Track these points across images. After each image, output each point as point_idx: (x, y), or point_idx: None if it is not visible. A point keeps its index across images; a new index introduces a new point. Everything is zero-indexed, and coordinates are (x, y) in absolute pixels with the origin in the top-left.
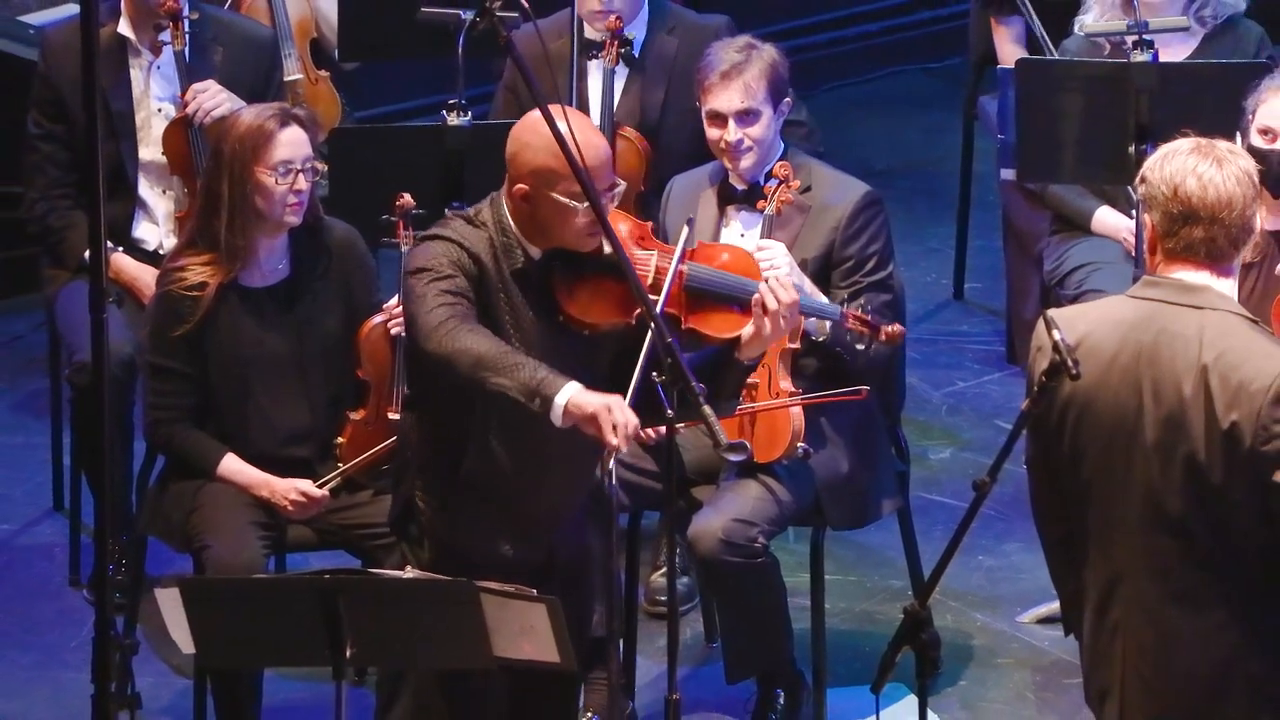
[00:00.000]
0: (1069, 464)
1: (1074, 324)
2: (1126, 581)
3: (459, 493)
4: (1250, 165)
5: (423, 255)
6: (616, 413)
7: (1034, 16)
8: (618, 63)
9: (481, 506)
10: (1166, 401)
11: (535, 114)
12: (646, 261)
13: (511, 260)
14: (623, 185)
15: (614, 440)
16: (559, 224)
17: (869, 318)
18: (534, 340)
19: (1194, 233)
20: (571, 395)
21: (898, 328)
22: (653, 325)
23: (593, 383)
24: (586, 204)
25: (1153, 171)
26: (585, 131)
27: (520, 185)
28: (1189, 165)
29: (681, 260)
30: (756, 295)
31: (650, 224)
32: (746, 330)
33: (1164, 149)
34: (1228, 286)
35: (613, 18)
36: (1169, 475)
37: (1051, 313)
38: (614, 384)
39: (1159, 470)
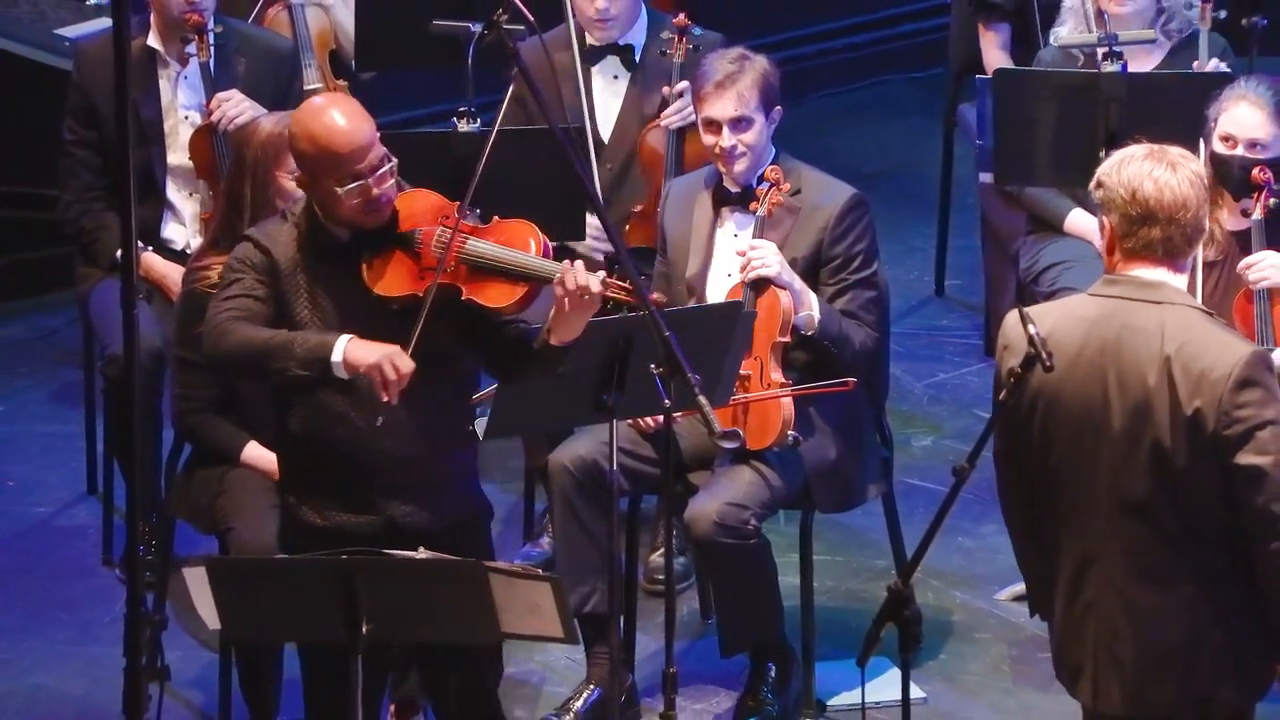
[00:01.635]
0: (1039, 453)
1: (1040, 321)
2: (1097, 563)
3: (299, 461)
4: (1200, 168)
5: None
6: (388, 369)
7: (1036, 13)
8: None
9: (321, 473)
10: (1132, 392)
11: (305, 105)
12: (438, 237)
13: (319, 244)
14: (394, 161)
15: (387, 397)
16: (335, 206)
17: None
18: (334, 320)
19: (1152, 233)
20: (346, 348)
21: (659, 296)
22: (650, 317)
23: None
24: (352, 185)
25: (1110, 176)
26: (343, 118)
27: (300, 175)
28: (1145, 170)
29: (462, 236)
30: (556, 277)
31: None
32: (552, 315)
33: (1119, 155)
34: (1182, 282)
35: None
36: (1135, 461)
37: (1016, 311)
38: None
39: (1126, 457)
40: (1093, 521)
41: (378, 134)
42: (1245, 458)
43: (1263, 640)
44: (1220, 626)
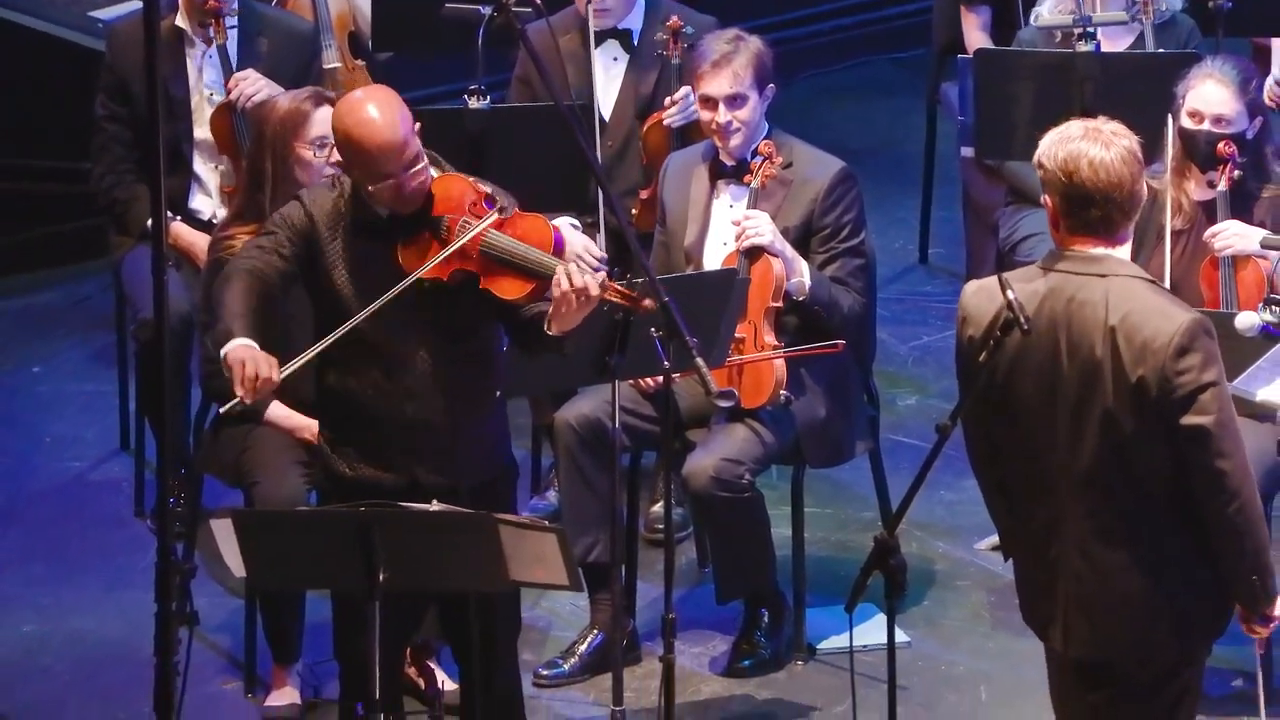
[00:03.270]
0: (1005, 420)
1: (994, 295)
2: (1061, 523)
3: (333, 414)
4: (1133, 143)
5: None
6: (249, 368)
7: None
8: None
9: (351, 429)
10: (1081, 362)
11: (346, 98)
12: (461, 225)
13: (360, 219)
14: (425, 160)
15: (240, 392)
16: (375, 195)
17: (630, 290)
18: (369, 291)
19: (1091, 213)
20: (231, 348)
21: (650, 302)
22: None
23: (432, 328)
24: (383, 184)
25: (1049, 159)
26: (379, 118)
27: (340, 160)
28: (1081, 150)
29: (485, 229)
30: (556, 276)
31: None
32: (550, 309)
33: (1055, 135)
34: (1124, 252)
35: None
36: (1088, 428)
37: (973, 283)
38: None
39: (1079, 425)
40: (1055, 485)
41: (413, 129)
42: (1189, 419)
43: (1216, 587)
44: (1178, 577)
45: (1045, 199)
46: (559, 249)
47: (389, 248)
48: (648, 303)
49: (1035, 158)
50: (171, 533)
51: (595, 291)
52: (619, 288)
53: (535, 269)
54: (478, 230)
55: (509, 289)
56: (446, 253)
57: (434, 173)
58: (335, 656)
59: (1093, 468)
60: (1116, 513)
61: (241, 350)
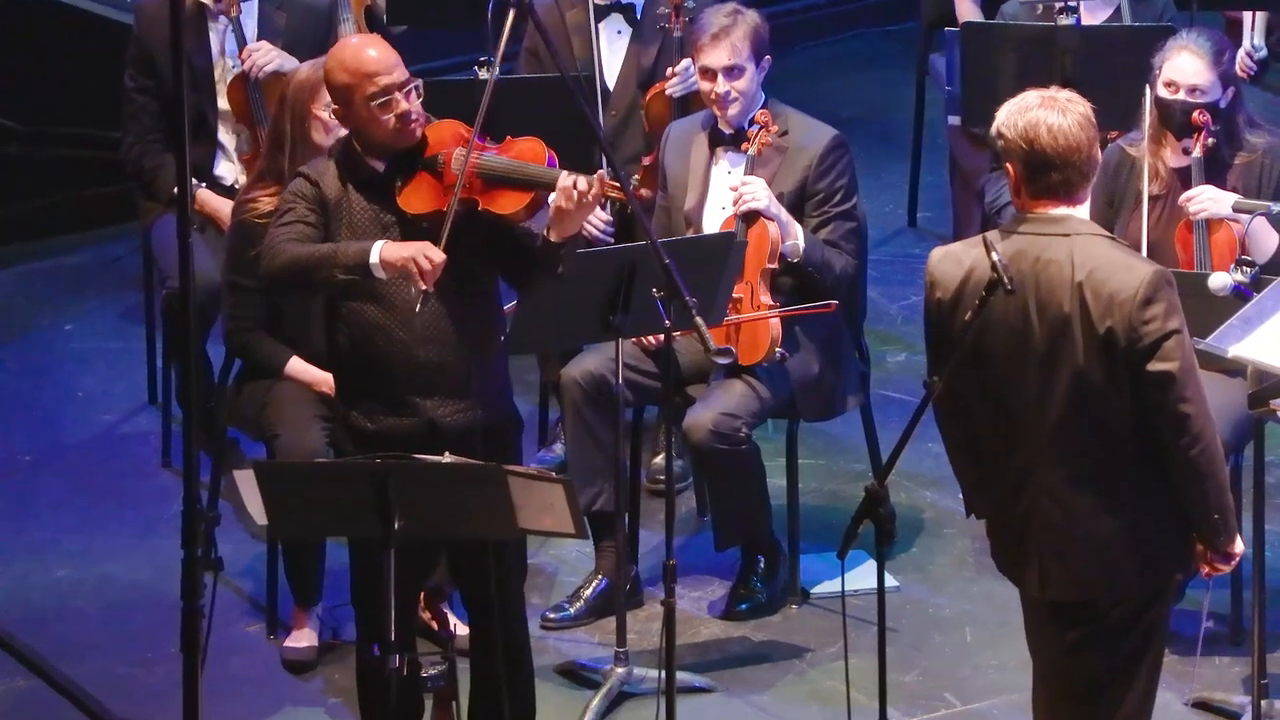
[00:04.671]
0: (977, 376)
1: (961, 258)
2: (1032, 472)
3: (349, 374)
4: (1087, 109)
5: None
6: (422, 260)
7: None
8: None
9: (368, 382)
10: (1050, 318)
11: (330, 54)
12: (456, 156)
13: (358, 176)
14: (419, 81)
15: (423, 285)
16: (372, 128)
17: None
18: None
19: (1052, 177)
20: (382, 250)
21: (647, 190)
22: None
23: (442, 283)
24: (384, 100)
25: (1009, 128)
26: (370, 45)
27: (336, 107)
28: (1039, 118)
29: (477, 152)
30: (561, 180)
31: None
32: (553, 212)
33: (1013, 105)
34: (1084, 212)
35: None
36: (1059, 380)
37: (940, 249)
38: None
39: (1050, 377)
40: (1025, 435)
41: (401, 61)
42: (1155, 365)
43: (1182, 526)
44: (1147, 517)
45: (1007, 167)
46: (552, 163)
47: (388, 196)
48: (644, 191)
49: (994, 128)
50: (197, 483)
51: (595, 188)
52: (613, 184)
53: (531, 179)
54: (470, 153)
55: (507, 203)
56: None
57: None
58: (351, 602)
59: (1063, 417)
60: (1086, 459)
61: (393, 249)
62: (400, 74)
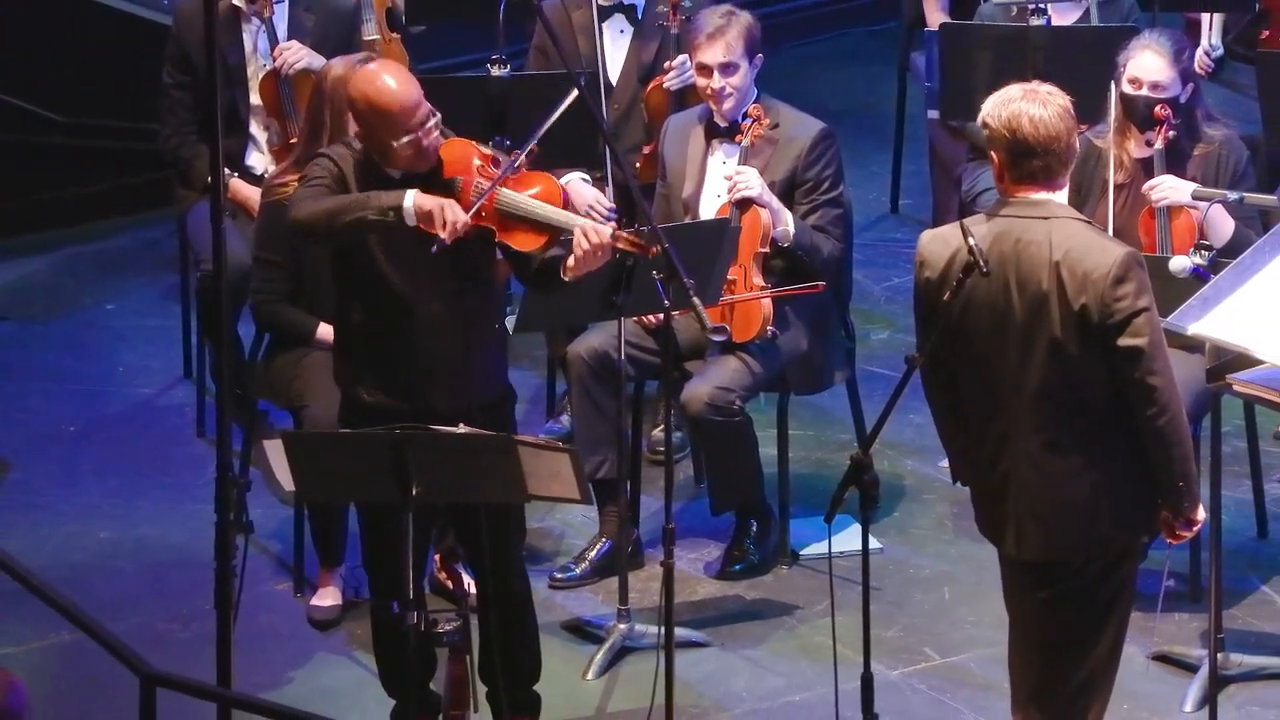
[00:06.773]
0: (960, 350)
1: (949, 240)
2: (1012, 438)
3: (357, 349)
4: (1066, 101)
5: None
6: (448, 213)
7: None
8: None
9: (374, 361)
10: (1029, 294)
11: (360, 72)
12: (476, 187)
13: (375, 180)
14: (438, 116)
15: (443, 235)
16: (390, 157)
17: (639, 239)
18: (383, 248)
19: (1033, 164)
20: (414, 196)
21: (655, 249)
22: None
23: (449, 277)
24: (405, 139)
25: (993, 118)
26: (394, 83)
27: (357, 129)
28: (1022, 109)
29: (498, 185)
30: (575, 236)
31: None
32: (570, 261)
33: (998, 97)
34: (1062, 197)
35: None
36: (1036, 352)
37: (929, 232)
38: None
39: (1029, 349)
40: (1005, 404)
41: (422, 91)
42: (1125, 340)
43: (1149, 491)
44: (1116, 481)
45: (991, 155)
46: (566, 202)
47: None
48: (654, 249)
49: (980, 119)
50: (229, 451)
51: (609, 243)
52: (627, 236)
53: (550, 223)
54: (491, 189)
55: (525, 242)
56: (470, 213)
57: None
58: (363, 565)
59: (1041, 387)
60: (1062, 426)
61: (425, 196)
62: (422, 112)
